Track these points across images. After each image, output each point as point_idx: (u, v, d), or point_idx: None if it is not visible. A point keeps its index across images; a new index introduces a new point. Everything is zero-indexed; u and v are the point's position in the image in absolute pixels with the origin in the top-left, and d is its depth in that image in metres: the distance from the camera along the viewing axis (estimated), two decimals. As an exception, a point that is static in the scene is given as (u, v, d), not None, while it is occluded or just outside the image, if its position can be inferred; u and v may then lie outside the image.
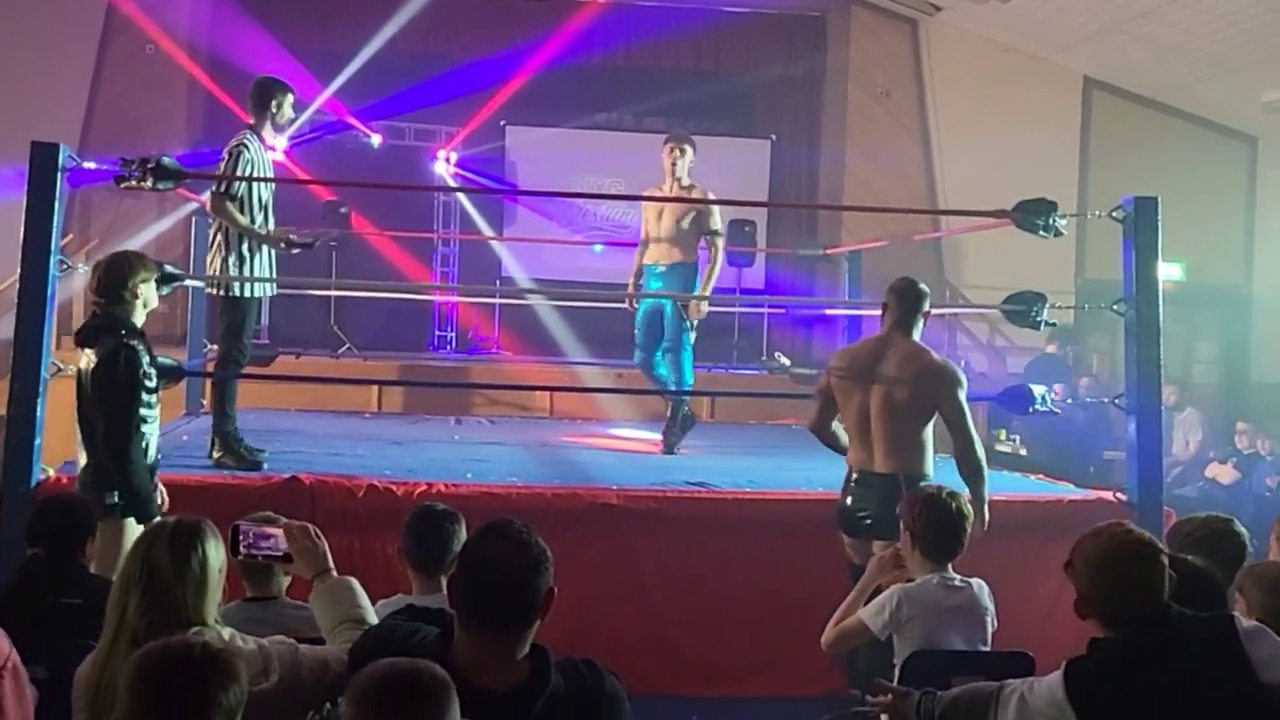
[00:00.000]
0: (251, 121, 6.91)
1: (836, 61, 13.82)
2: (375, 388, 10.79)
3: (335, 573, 3.37)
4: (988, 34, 13.36)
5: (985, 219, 7.05)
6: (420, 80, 12.69)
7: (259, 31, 12.29)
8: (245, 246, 6.71)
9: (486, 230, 13.11)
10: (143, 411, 4.98)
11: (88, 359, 5.03)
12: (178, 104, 12.72)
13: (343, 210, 11.55)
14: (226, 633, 3.01)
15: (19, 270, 5.68)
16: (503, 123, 13.26)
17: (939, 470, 5.53)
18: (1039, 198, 6.46)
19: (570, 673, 2.75)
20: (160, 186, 5.96)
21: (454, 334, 13.25)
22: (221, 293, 6.82)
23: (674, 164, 8.12)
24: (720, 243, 8.24)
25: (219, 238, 6.78)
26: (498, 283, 12.92)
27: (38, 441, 5.62)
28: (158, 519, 4.36)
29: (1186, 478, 10.97)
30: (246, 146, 6.71)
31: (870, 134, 13.55)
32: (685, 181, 8.17)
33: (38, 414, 5.62)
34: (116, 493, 4.92)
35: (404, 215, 12.52)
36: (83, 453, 5.07)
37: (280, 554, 3.41)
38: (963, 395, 5.39)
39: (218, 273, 6.73)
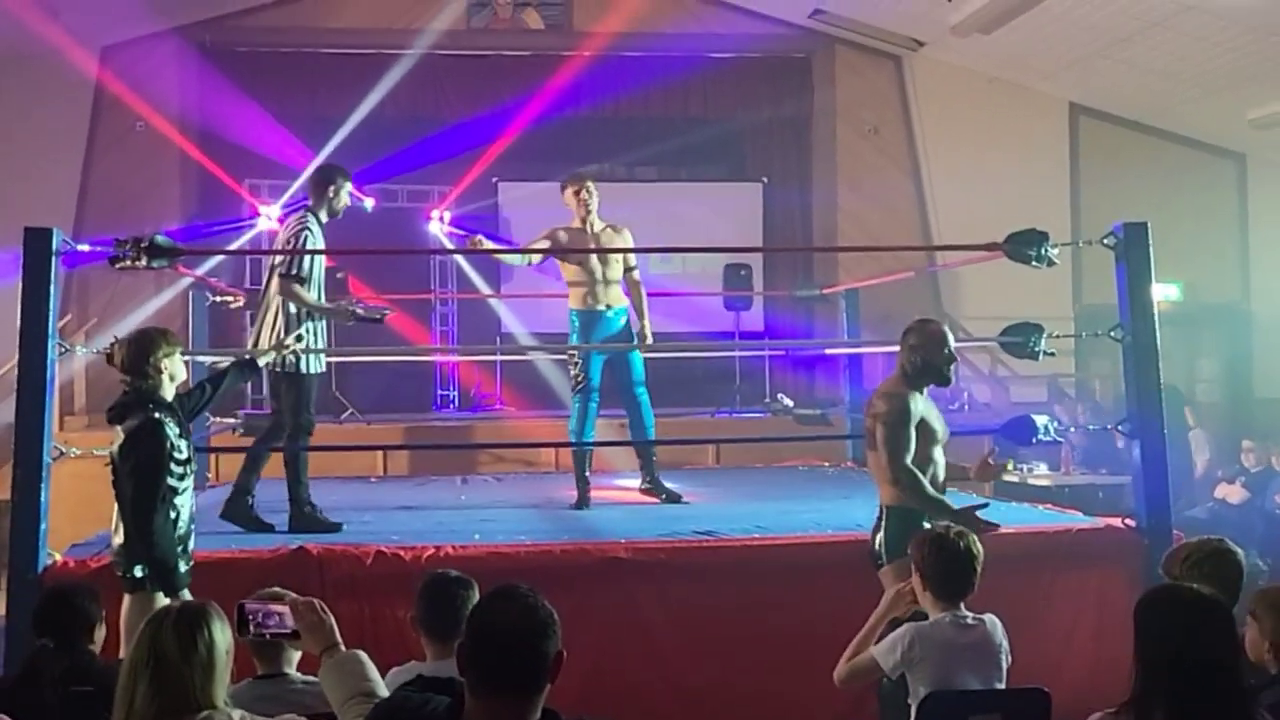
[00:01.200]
0: (310, 203, 7.04)
1: (824, 101, 13.88)
2: (380, 452, 10.75)
3: (343, 646, 3.36)
4: (971, 66, 13.45)
5: (979, 251, 7.06)
6: (410, 142, 12.73)
7: (247, 102, 12.39)
8: (307, 324, 6.78)
9: (484, 288, 13.10)
10: (171, 483, 4.92)
11: (119, 436, 5.03)
12: (170, 178, 12.79)
13: (339, 275, 11.55)
14: (237, 714, 2.99)
15: (18, 355, 5.71)
16: (495, 179, 13.29)
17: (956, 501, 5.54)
18: (1029, 229, 6.45)
19: (583, 737, 2.74)
20: (155, 265, 5.98)
21: (456, 393, 13.21)
22: (280, 369, 6.79)
23: (584, 205, 7.95)
24: (637, 275, 8.13)
25: (276, 316, 6.83)
26: (498, 339, 12.92)
27: (43, 526, 5.62)
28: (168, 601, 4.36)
29: (1195, 499, 10.87)
30: (310, 229, 6.87)
31: (861, 171, 13.61)
32: (598, 224, 8.02)
33: (42, 499, 5.62)
34: (143, 565, 4.89)
35: (401, 277, 12.52)
36: (120, 529, 5.03)
37: (288, 631, 3.39)
38: (893, 419, 5.31)
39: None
